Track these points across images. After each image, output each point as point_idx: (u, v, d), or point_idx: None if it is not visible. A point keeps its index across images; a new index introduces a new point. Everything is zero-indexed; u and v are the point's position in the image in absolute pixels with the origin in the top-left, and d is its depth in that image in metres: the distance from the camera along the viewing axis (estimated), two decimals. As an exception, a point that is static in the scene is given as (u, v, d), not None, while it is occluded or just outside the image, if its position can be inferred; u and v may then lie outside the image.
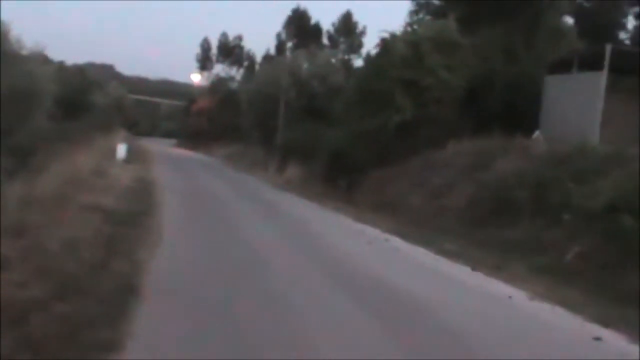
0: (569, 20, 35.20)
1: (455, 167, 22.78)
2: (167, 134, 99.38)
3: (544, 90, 24.79)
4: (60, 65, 71.92)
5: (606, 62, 21.52)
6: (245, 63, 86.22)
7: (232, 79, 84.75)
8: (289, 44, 70.95)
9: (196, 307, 8.73)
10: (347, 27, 72.23)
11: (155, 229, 14.74)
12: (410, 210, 22.05)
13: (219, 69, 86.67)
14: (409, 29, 31.42)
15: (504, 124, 23.08)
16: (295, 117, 43.58)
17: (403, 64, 27.11)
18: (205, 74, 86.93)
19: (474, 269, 13.35)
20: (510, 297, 10.96)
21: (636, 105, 21.18)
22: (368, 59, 37.04)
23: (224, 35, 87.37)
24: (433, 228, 19.07)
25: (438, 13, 32.86)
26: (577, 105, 22.55)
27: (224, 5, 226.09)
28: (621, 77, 22.53)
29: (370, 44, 66.31)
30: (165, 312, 8.38)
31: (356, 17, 73.01)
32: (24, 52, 28.46)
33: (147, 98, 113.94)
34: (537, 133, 23.62)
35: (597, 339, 8.82)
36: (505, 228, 17.02)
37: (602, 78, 21.69)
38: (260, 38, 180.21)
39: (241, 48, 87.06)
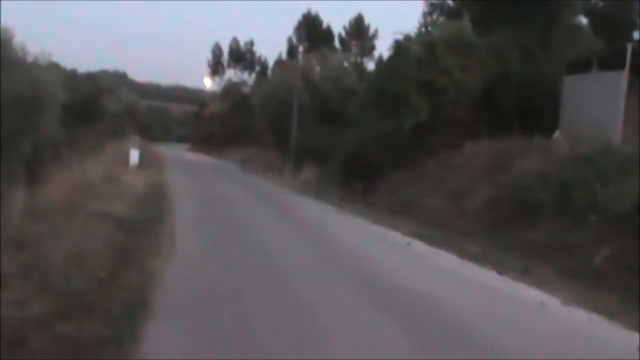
0: (583, 19, 34.85)
1: (473, 168, 22.45)
2: (180, 139, 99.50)
3: (562, 90, 24.42)
4: (72, 73, 71.96)
5: (628, 62, 21.17)
6: (257, 68, 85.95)
7: (244, 83, 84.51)
8: (301, 48, 70.65)
9: (212, 325, 8.19)
10: (359, 30, 71.82)
11: (169, 236, 14.37)
12: (428, 212, 21.69)
13: (231, 74, 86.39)
14: (423, 29, 31.17)
15: (522, 124, 22.79)
16: (308, 120, 43.36)
17: (418, 65, 26.84)
18: (217, 79, 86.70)
19: (500, 273, 12.99)
20: (542, 303, 10.53)
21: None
22: (382, 60, 36.83)
23: (235, 41, 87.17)
24: (453, 230, 18.65)
25: (452, 14, 32.58)
26: (597, 104, 22.16)
27: (235, 10, 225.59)
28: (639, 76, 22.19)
29: (382, 47, 66.19)
30: (178, 331, 7.82)
31: (367, 20, 72.61)
32: (29, 58, 28.27)
33: (160, 103, 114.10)
34: (557, 133, 23.28)
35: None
36: (527, 230, 16.62)
37: (623, 77, 21.32)
38: (272, 43, 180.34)
39: (252, 53, 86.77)
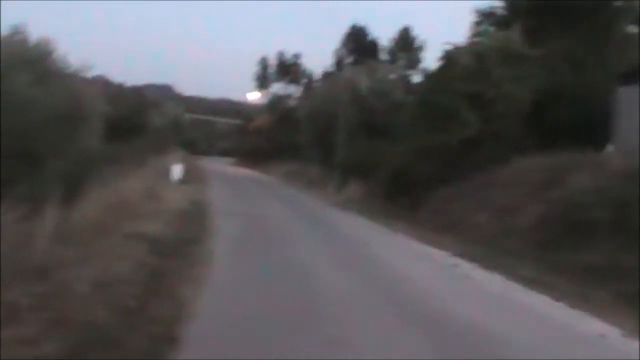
0: (636, 28, 33.83)
1: (522, 184, 21.54)
2: (224, 153, 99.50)
3: (616, 102, 23.51)
4: (119, 87, 72.49)
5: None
6: (303, 81, 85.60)
7: (289, 97, 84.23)
8: (347, 61, 70.17)
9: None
10: (406, 43, 71.10)
11: (206, 259, 13.72)
12: (475, 230, 20.95)
13: (277, 87, 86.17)
14: (473, 39, 30.48)
15: (572, 138, 21.89)
16: (354, 134, 42.78)
17: (467, 77, 26.15)
18: (263, 92, 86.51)
19: (556, 299, 12.18)
20: (602, 335, 9.75)
21: None
22: (430, 72, 36.15)
23: (281, 54, 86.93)
24: (501, 250, 17.88)
25: (501, 23, 31.79)
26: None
27: (282, 24, 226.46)
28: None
29: (429, 59, 65.14)
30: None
31: (414, 32, 71.86)
32: (69, 70, 28.04)
33: (205, 117, 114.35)
34: (609, 147, 22.40)
35: None
36: (580, 251, 15.77)
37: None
38: (318, 56, 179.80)
39: (299, 66, 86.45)
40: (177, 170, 33.47)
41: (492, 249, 18.10)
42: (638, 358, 8.76)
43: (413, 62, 70.05)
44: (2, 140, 21.28)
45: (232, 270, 13.48)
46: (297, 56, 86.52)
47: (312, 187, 41.81)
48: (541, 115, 25.65)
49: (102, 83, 60.24)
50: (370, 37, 73.39)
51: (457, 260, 16.34)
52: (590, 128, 23.54)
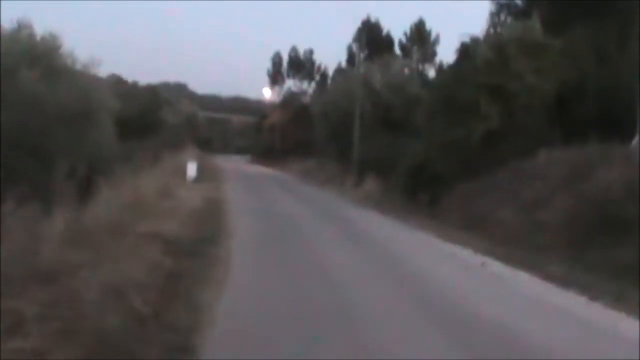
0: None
1: (549, 178, 20.84)
2: (240, 151, 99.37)
3: (642, 94, 22.85)
4: (133, 85, 72.26)
5: None
6: (317, 77, 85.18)
7: (303, 93, 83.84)
8: (361, 56, 69.73)
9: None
10: (420, 36, 70.39)
11: (224, 260, 13.27)
12: (500, 227, 20.22)
13: (290, 84, 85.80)
14: (491, 30, 29.86)
15: (599, 131, 21.21)
16: (370, 130, 42.23)
17: (487, 69, 25.52)
18: (277, 89, 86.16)
19: (591, 299, 11.51)
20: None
21: None
22: (443, 67, 35.64)
23: (294, 50, 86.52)
24: (528, 247, 17.14)
25: (520, 14, 31.12)
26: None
27: (294, 19, 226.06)
28: None
29: (443, 53, 64.63)
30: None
31: (428, 25, 71.11)
32: (77, 66, 27.54)
33: (220, 115, 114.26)
34: (636, 139, 21.76)
35: None
36: (612, 247, 15.02)
37: None
38: (331, 51, 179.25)
39: (312, 62, 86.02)
40: (192, 169, 33.07)
41: (519, 246, 17.37)
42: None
43: (428, 55, 69.45)
44: (9, 138, 20.85)
45: (251, 272, 12.95)
46: (310, 51, 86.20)
47: (329, 183, 41.48)
48: (565, 108, 24.99)
49: (116, 81, 60.17)
50: (384, 32, 72.80)
51: (484, 259, 15.69)
52: (616, 120, 22.87)
